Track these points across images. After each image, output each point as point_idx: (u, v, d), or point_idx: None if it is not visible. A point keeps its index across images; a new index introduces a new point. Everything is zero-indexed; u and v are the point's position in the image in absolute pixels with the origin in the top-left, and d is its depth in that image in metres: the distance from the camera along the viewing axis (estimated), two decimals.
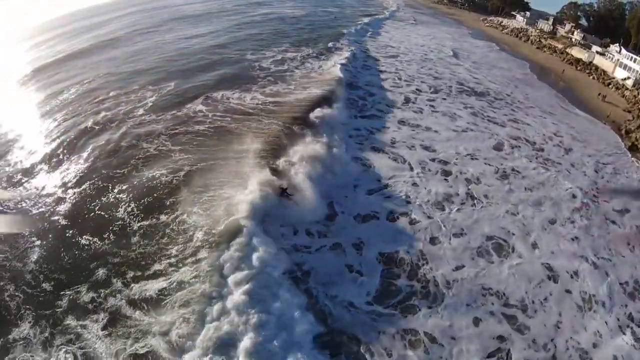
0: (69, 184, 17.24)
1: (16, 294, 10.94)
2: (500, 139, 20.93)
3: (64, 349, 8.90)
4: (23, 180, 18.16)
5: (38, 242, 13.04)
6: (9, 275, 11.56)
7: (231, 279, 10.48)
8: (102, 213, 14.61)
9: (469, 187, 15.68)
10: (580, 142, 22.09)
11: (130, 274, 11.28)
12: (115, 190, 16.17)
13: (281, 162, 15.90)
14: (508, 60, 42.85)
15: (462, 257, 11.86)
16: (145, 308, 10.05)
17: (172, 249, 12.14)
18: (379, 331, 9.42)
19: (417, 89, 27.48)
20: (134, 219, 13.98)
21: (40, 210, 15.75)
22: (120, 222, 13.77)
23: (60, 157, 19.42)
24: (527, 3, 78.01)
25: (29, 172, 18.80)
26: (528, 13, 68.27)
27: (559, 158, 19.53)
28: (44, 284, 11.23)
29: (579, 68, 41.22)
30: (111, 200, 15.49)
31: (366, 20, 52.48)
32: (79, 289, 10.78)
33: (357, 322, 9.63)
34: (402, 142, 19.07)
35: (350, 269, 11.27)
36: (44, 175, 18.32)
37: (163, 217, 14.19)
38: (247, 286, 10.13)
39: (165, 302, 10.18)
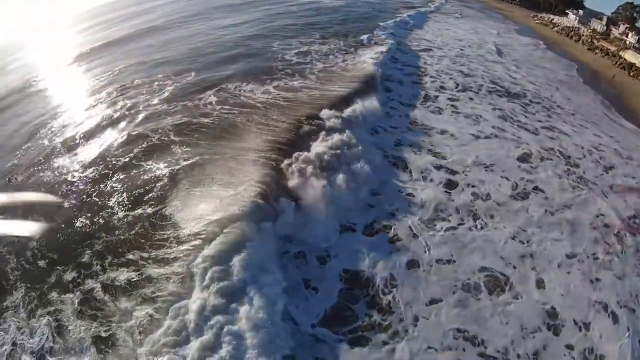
0: (75, 169, 17.76)
1: (17, 267, 12.18)
2: (528, 149, 18.07)
3: (44, 320, 9.84)
4: (37, 162, 19.11)
5: (41, 221, 14.20)
6: (14, 250, 12.85)
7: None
8: (97, 199, 15.03)
9: (474, 203, 13.36)
10: (625, 159, 18.47)
11: (108, 259, 11.69)
12: (114, 178, 16.40)
13: (275, 163, 14.75)
14: (553, 60, 37.69)
15: (441, 289, 9.89)
16: (114, 295, 10.36)
17: (149, 242, 12.06)
18: (315, 357, 8.15)
19: (441, 86, 24.60)
20: (122, 208, 14.14)
21: (46, 191, 16.59)
22: (109, 210, 14.08)
23: (74, 143, 20.01)
24: (581, 1, 69.82)
25: (43, 156, 19.69)
26: (581, 11, 60.72)
27: (596, 177, 16.34)
28: (39, 261, 12.23)
29: (631, 74, 35.26)
30: (107, 187, 15.85)
31: (408, 13, 48.54)
32: (65, 268, 11.58)
33: (295, 342, 8.40)
34: (407, 144, 16.99)
35: (307, 284, 10.01)
36: (56, 159, 19.02)
37: (149, 210, 14.09)
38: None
39: (132, 293, 10.33)
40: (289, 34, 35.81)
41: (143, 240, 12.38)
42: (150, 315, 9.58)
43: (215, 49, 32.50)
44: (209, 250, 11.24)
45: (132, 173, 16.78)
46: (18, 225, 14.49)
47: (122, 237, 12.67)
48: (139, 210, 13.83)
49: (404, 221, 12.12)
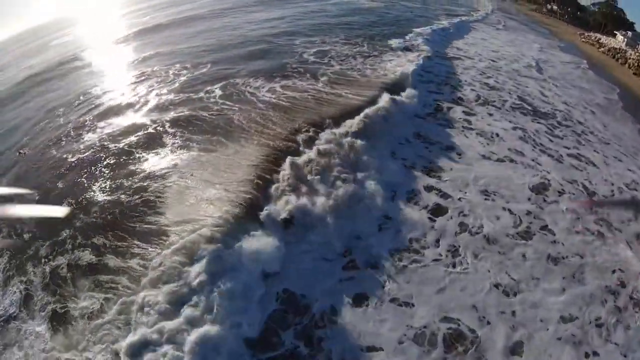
0: (74, 152, 17.90)
1: (6, 236, 13.46)
2: (546, 179, 15.45)
3: (17, 286, 10.77)
4: (49, 139, 19.74)
5: (34, 196, 15.31)
6: (7, 223, 13.89)
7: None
8: (84, 181, 15.34)
9: (460, 236, 11.25)
10: None
11: (79, 239, 12.21)
12: (102, 164, 16.37)
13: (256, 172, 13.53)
14: (594, 81, 33.00)
15: (387, 334, 8.08)
16: (71, 279, 10.77)
17: (116, 231, 12.08)
18: None
19: (459, 97, 21.83)
20: (102, 193, 14.35)
21: (48, 168, 17.36)
22: (91, 193, 14.43)
23: (82, 125, 20.24)
24: (632, 23, 63.48)
25: (55, 134, 20.19)
26: (630, 33, 54.70)
27: (622, 223, 13.53)
28: (25, 234, 13.21)
29: None
30: (96, 172, 16.11)
31: (448, 21, 44.48)
32: (44, 243, 12.33)
33: None
34: (401, 158, 15.14)
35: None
36: (64, 139, 19.39)
37: (124, 198, 13.95)
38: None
39: (90, 277, 10.69)
40: (315, 32, 34.51)
41: (111, 228, 12.48)
42: (101, 304, 9.84)
43: (239, 42, 32.02)
44: (169, 252, 10.77)
45: (121, 160, 16.81)
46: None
47: (95, 221, 12.95)
48: (114, 197, 13.97)
49: (367, 247, 10.37)
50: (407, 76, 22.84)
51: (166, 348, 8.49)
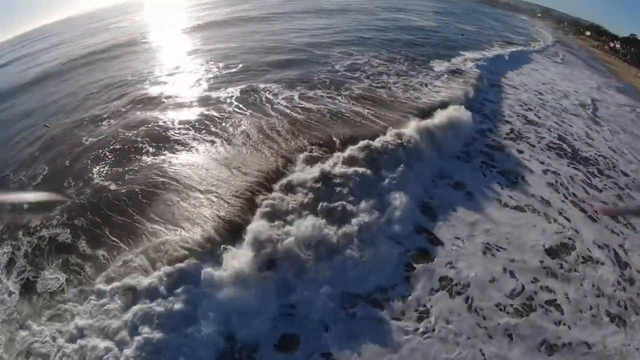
0: (89, 134, 18.67)
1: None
2: (571, 240, 13.09)
3: (6, 248, 12.36)
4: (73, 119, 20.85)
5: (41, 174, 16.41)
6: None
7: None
8: (86, 167, 16.09)
9: (433, 295, 9.51)
10: None
11: (63, 219, 13.15)
12: (107, 150, 16.87)
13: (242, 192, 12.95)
14: None
15: None
16: (48, 253, 11.89)
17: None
18: None
19: (488, 129, 19.70)
20: (94, 180, 15.00)
21: (59, 149, 18.35)
22: (84, 178, 15.22)
23: (102, 115, 21.03)
24: None
25: (76, 117, 21.30)
26: None
27: None
28: (24, 205, 14.49)
29: None
30: (98, 160, 16.50)
31: (502, 48, 41.03)
32: (38, 215, 13.57)
33: None
34: (399, 188, 13.24)
35: None
36: (81, 122, 20.33)
37: (110, 192, 14.16)
38: None
39: (58, 262, 11.43)
40: (355, 45, 33.54)
41: (92, 212, 13.24)
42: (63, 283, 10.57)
43: (276, 48, 32.20)
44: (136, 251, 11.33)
45: (124, 150, 17.59)
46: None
47: (82, 203, 13.80)
48: (106, 184, 14.60)
49: (324, 302, 9.07)
50: (444, 104, 20.47)
51: (107, 343, 8.77)
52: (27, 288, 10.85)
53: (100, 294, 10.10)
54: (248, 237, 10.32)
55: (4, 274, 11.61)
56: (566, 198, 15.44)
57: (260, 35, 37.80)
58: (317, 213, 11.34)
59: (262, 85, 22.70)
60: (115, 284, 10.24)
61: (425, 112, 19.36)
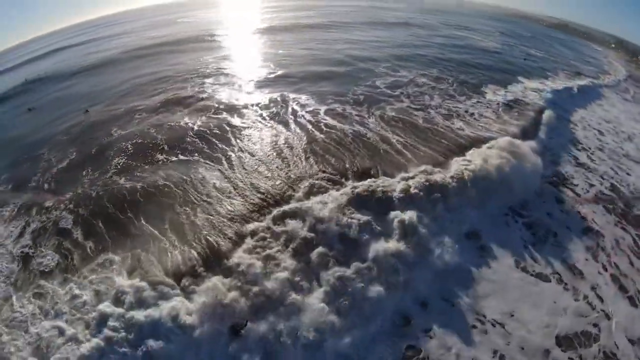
0: (120, 127, 19.33)
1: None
2: (598, 327, 9.96)
3: (19, 223, 13.55)
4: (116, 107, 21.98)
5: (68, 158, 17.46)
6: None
7: None
8: (99, 161, 16.87)
9: None
10: None
11: (70, 206, 13.96)
12: (127, 146, 17.21)
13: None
14: None
15: None
16: (49, 235, 12.74)
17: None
18: None
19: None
20: (105, 178, 15.42)
21: (90, 137, 19.52)
22: (95, 175, 15.78)
23: (134, 112, 21.78)
24: None
25: (116, 108, 22.33)
26: None
27: None
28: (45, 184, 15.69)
29: None
30: (116, 158, 16.97)
31: (567, 80, 33.50)
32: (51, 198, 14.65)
33: None
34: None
35: None
36: (118, 114, 21.27)
37: (120, 190, 14.54)
38: None
39: (53, 245, 12.21)
40: (404, 62, 31.78)
41: (95, 205, 13.77)
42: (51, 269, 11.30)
43: (323, 58, 31.77)
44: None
45: (139, 149, 17.96)
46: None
47: (89, 194, 14.32)
48: (114, 180, 15.11)
49: None
50: (486, 139, 17.40)
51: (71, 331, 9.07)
52: (25, 261, 11.70)
53: (79, 286, 10.45)
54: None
55: (13, 243, 12.69)
56: (605, 270, 12.33)
57: (312, 44, 37.62)
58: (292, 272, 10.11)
59: (292, 95, 22.17)
60: (92, 277, 10.65)
61: (465, 148, 16.74)
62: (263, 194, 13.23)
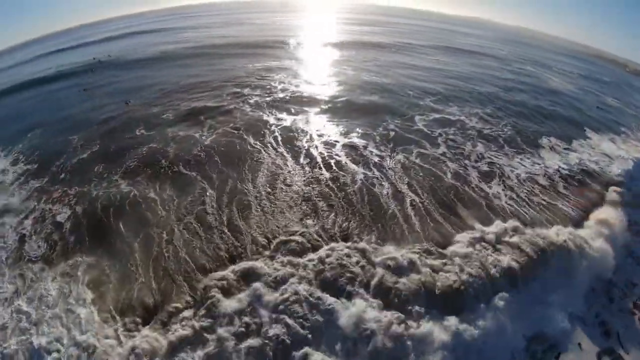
0: (139, 132, 19.90)
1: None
2: None
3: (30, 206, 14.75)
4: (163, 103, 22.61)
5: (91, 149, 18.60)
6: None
7: None
8: (115, 165, 17.41)
9: None
10: None
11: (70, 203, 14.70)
12: (142, 150, 17.79)
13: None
14: None
15: None
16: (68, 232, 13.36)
17: None
18: None
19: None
20: (110, 180, 16.23)
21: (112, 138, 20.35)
22: (105, 175, 16.68)
23: (163, 115, 22.46)
24: None
25: (158, 105, 22.93)
26: None
27: None
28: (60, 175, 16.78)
29: None
30: (127, 161, 17.66)
31: None
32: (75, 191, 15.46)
33: None
34: None
35: None
36: (155, 112, 21.77)
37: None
38: None
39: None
40: (458, 98, 28.94)
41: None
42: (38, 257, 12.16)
43: (369, 82, 30.52)
44: None
45: (149, 159, 17.82)
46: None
47: (89, 191, 15.20)
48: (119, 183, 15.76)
49: None
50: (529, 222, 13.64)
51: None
52: (21, 242, 12.85)
53: (47, 278, 11.33)
54: None
55: (18, 222, 13.95)
56: None
57: (365, 64, 36.75)
58: None
59: (319, 120, 21.54)
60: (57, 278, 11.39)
61: (489, 225, 13.44)
62: (225, 242, 12.36)
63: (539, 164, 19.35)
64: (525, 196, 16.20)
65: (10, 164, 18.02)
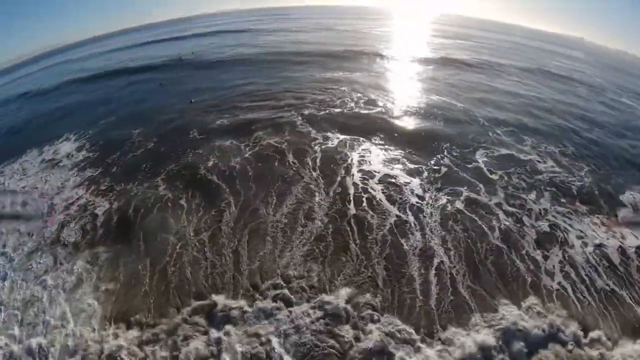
0: (191, 134, 21.42)
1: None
2: None
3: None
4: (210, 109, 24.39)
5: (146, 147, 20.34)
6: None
7: None
8: (158, 165, 18.80)
9: None
10: None
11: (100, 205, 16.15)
12: (187, 157, 19.67)
13: None
14: None
15: None
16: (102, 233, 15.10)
17: None
18: None
19: None
20: (147, 181, 17.57)
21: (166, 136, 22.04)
22: (146, 175, 17.99)
23: (215, 121, 23.69)
24: None
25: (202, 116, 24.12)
26: None
27: None
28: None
29: None
30: (170, 164, 18.94)
31: None
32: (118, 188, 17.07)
33: None
34: None
35: None
36: (211, 114, 23.01)
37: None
38: None
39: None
40: (535, 132, 24.58)
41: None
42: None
43: (440, 106, 27.80)
44: None
45: (187, 168, 18.67)
46: None
47: (123, 191, 16.62)
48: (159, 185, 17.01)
49: None
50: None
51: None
52: (62, 226, 14.54)
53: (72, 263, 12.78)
54: None
55: (65, 207, 15.73)
56: None
57: (443, 85, 34.08)
58: None
59: (366, 146, 20.09)
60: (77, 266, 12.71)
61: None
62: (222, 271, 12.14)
63: (614, 231, 14.85)
64: (587, 277, 12.34)
65: (75, 150, 20.52)
